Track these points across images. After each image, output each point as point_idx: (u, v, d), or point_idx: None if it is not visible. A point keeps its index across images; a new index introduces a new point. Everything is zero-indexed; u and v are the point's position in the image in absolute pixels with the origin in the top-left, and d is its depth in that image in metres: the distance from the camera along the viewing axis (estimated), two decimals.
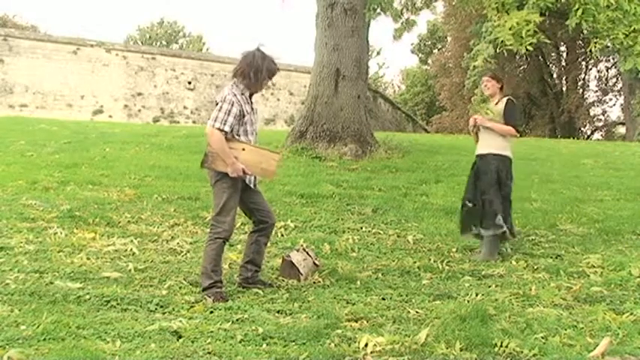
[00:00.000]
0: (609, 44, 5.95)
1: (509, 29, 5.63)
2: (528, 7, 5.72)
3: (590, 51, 6.00)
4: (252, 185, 4.65)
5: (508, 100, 5.92)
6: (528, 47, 5.73)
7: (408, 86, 45.01)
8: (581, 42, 30.55)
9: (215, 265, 4.43)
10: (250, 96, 4.61)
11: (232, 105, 4.42)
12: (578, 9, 5.69)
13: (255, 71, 4.48)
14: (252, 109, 4.61)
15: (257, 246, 4.75)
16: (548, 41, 6.15)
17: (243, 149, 4.45)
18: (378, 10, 9.79)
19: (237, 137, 4.50)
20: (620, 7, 5.68)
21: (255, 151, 4.51)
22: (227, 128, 4.39)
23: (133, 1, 71.44)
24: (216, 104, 4.50)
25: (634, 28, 5.74)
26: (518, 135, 5.90)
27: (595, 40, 5.96)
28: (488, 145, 5.91)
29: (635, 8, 5.70)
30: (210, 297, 4.31)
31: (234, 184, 4.48)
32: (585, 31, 6.08)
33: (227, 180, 4.45)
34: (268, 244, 5.06)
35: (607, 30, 5.75)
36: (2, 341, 3.31)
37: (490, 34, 5.99)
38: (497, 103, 5.92)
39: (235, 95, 4.47)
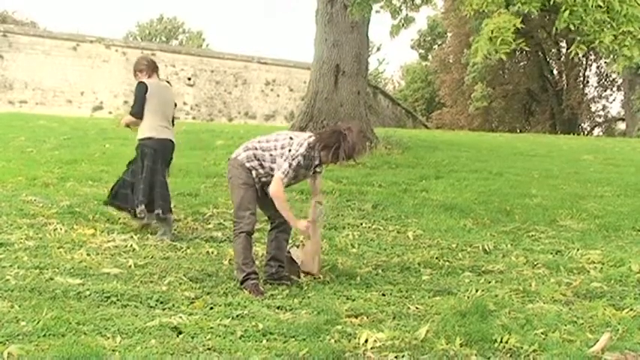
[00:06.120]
0: (596, 47, 5.84)
1: (487, 34, 5.58)
2: (512, 12, 5.63)
3: (589, 51, 5.95)
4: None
5: None
6: (502, 56, 5.70)
7: (408, 82, 44.91)
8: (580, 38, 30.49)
9: (245, 258, 4.54)
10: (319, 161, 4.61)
11: (298, 163, 4.49)
12: (565, 10, 5.60)
13: (337, 148, 4.45)
14: (312, 170, 4.63)
15: (277, 242, 4.80)
16: (527, 49, 6.12)
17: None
18: (378, 7, 9.72)
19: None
20: (611, 7, 5.57)
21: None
22: (286, 180, 4.51)
23: None
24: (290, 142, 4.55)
25: (622, 31, 5.65)
26: (136, 118, 6.29)
27: (578, 44, 5.89)
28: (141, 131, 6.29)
29: (626, 9, 5.59)
30: (247, 290, 4.43)
31: (248, 180, 4.60)
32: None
33: (241, 177, 4.60)
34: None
35: (594, 33, 5.67)
36: (2, 337, 3.32)
37: None
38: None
39: (307, 150, 4.51)
